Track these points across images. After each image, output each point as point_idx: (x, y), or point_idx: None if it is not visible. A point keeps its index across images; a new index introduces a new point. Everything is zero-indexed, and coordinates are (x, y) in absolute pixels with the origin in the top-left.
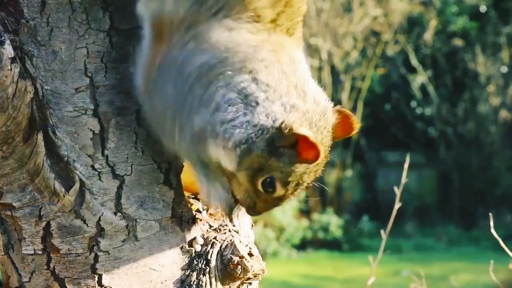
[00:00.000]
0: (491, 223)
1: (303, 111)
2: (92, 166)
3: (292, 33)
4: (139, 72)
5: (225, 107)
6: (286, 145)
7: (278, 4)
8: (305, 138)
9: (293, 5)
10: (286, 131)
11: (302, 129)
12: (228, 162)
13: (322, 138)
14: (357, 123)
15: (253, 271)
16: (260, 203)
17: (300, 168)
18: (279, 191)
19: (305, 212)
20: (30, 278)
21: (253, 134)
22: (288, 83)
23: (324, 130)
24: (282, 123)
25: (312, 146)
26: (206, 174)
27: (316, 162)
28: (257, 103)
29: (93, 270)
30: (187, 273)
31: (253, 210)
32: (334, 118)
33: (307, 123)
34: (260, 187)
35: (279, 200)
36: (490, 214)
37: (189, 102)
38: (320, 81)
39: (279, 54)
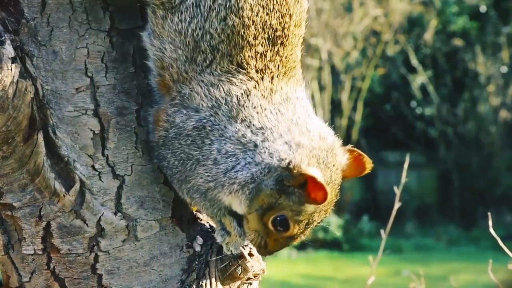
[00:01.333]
0: (490, 223)
1: (309, 149)
2: (93, 166)
3: (291, 76)
4: (152, 114)
5: (224, 160)
6: (295, 185)
7: (266, 55)
8: (313, 179)
9: (282, 54)
10: (295, 171)
11: (310, 170)
12: (238, 205)
13: (331, 176)
14: (369, 163)
15: (253, 271)
16: (271, 243)
17: (310, 207)
18: (291, 229)
19: None
20: (30, 278)
21: (258, 172)
22: (286, 122)
23: (333, 167)
24: (289, 162)
25: (321, 187)
26: (220, 221)
27: (325, 203)
28: (256, 145)
29: (93, 270)
30: (187, 273)
31: (264, 249)
32: (346, 158)
33: (315, 160)
34: (271, 226)
35: (290, 239)
36: (489, 213)
37: (189, 166)
38: (320, 81)
39: (270, 97)
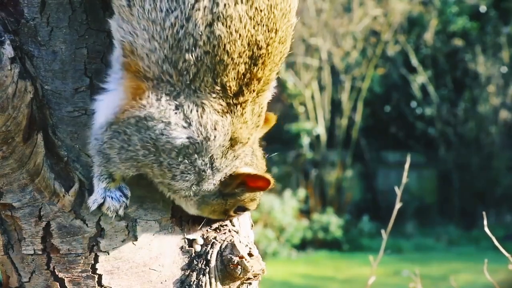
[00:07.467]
0: (485, 222)
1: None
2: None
3: (258, 113)
4: (103, 111)
5: (181, 181)
6: (234, 188)
7: (245, 76)
8: (248, 175)
9: (260, 77)
10: (228, 178)
11: (242, 169)
12: (185, 206)
13: (257, 164)
14: (271, 115)
15: (253, 271)
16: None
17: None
18: (252, 207)
19: (305, 212)
20: (30, 278)
21: (201, 191)
22: (237, 163)
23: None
24: (221, 177)
25: (258, 177)
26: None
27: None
28: (206, 178)
29: (93, 270)
30: (187, 273)
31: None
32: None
33: (243, 164)
34: (232, 213)
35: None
36: (484, 213)
37: (173, 170)
38: (320, 81)
39: (237, 146)
